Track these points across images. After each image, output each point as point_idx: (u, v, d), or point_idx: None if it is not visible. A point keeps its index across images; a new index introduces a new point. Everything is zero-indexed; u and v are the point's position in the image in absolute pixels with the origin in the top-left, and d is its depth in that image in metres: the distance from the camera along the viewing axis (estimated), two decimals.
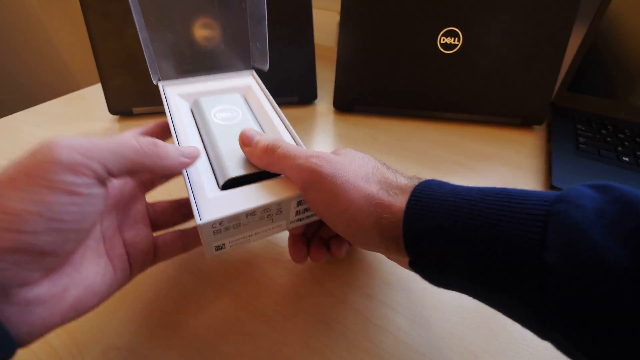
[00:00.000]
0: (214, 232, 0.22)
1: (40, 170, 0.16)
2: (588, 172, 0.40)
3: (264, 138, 0.25)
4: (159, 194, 0.29)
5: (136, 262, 0.23)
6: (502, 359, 0.25)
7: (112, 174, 0.19)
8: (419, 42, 0.48)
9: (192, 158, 0.23)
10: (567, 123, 0.49)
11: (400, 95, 0.51)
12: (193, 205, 0.22)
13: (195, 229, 0.27)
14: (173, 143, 0.25)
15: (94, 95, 0.57)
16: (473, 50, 0.47)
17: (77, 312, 0.19)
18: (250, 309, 0.27)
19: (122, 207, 0.24)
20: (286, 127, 0.29)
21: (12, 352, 0.16)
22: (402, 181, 0.22)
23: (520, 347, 0.26)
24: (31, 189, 0.16)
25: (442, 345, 0.26)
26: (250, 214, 0.23)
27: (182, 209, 0.29)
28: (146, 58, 0.30)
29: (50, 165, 0.16)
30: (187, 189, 0.23)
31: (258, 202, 0.23)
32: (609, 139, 0.46)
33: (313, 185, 0.22)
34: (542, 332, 0.16)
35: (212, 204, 0.22)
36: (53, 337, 0.25)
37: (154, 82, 0.32)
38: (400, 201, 0.20)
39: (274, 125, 0.29)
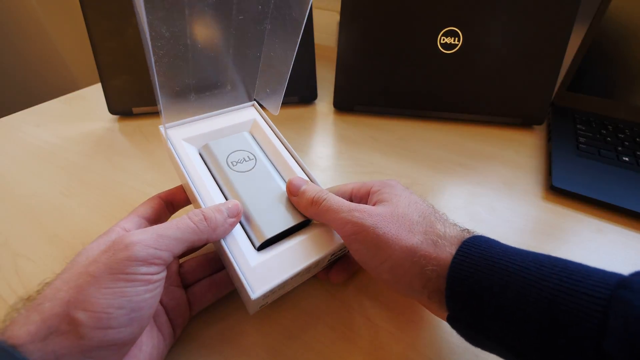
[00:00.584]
0: (262, 299, 0.23)
1: (121, 266, 0.18)
2: (588, 172, 0.40)
3: (310, 188, 0.26)
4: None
5: (177, 324, 0.24)
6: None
7: (175, 256, 0.21)
8: (419, 42, 0.48)
9: (238, 215, 0.25)
10: (567, 123, 0.49)
11: (400, 95, 0.51)
12: (242, 278, 0.22)
13: (223, 273, 0.27)
14: (194, 197, 0.26)
15: (94, 95, 0.57)
16: (473, 50, 0.47)
17: None
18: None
19: None
20: (297, 162, 0.30)
21: None
22: (451, 232, 0.22)
23: None
24: (114, 284, 0.18)
25: (442, 345, 0.26)
26: (294, 276, 0.24)
27: (212, 264, 0.28)
28: (159, 102, 0.26)
29: (130, 262, 0.18)
30: (225, 253, 0.24)
31: (301, 265, 0.24)
32: (609, 139, 0.46)
33: (356, 236, 0.23)
34: None
35: (259, 273, 0.23)
36: None
37: (162, 128, 0.29)
38: (447, 253, 0.20)
39: (287, 163, 0.30)
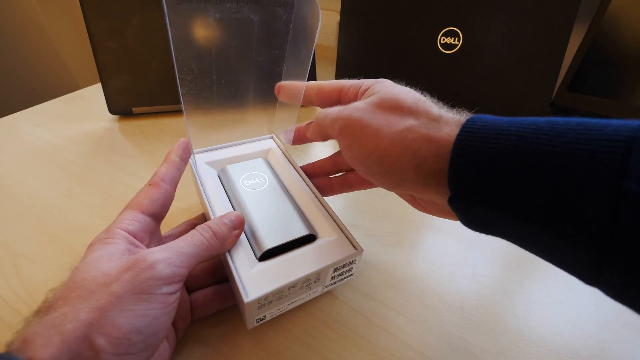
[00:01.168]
0: (258, 307, 0.23)
1: (145, 286, 0.18)
2: None
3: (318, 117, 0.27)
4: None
5: (178, 327, 0.24)
6: (502, 359, 0.25)
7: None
8: (419, 42, 0.48)
9: (241, 226, 0.25)
10: None
11: None
12: (238, 283, 0.23)
13: (228, 286, 0.27)
14: (207, 211, 0.27)
15: (94, 95, 0.57)
16: (473, 50, 0.47)
17: None
18: None
19: None
20: (308, 186, 0.31)
21: None
22: (447, 115, 0.20)
23: (520, 347, 0.26)
24: (136, 305, 0.18)
25: (442, 345, 0.26)
26: (292, 285, 0.24)
27: (216, 273, 0.28)
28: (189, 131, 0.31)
29: (154, 281, 0.18)
30: (226, 260, 0.24)
31: (299, 274, 0.24)
32: None
33: (345, 130, 0.23)
34: (597, 272, 0.14)
35: (255, 279, 0.23)
36: None
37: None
38: (445, 133, 0.19)
39: (298, 185, 0.31)
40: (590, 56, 0.50)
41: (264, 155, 0.35)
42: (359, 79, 0.27)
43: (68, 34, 1.04)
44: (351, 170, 0.30)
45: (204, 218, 0.31)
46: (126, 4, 0.46)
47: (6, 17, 1.00)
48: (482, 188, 0.17)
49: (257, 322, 0.25)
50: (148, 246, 0.23)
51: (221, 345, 0.25)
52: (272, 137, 0.37)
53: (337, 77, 0.52)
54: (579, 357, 0.25)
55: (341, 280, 0.28)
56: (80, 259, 0.20)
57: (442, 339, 0.26)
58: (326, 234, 0.27)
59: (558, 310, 0.28)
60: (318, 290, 0.27)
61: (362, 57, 0.50)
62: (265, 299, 0.23)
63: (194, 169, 0.31)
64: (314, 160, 0.33)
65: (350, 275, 0.28)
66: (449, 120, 0.20)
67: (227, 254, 0.24)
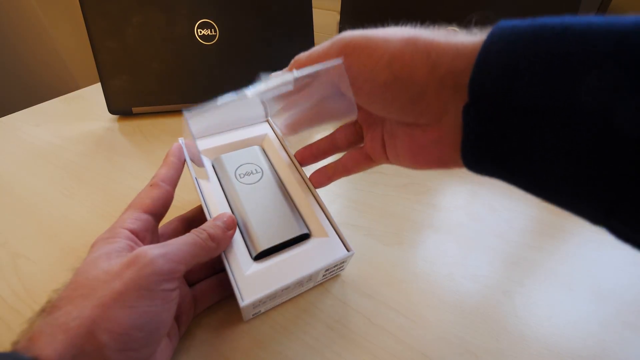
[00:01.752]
0: (253, 307, 0.24)
1: (146, 282, 0.18)
2: None
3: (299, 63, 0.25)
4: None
5: (181, 322, 0.24)
6: (502, 359, 0.25)
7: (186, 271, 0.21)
8: None
9: (234, 226, 0.25)
10: None
11: None
12: (234, 286, 0.23)
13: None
14: (203, 207, 0.27)
15: (94, 95, 0.57)
16: None
17: None
18: None
19: None
20: (303, 179, 0.31)
21: None
22: (463, 33, 0.18)
23: (520, 347, 0.26)
24: (138, 302, 0.18)
25: (442, 345, 0.26)
26: (285, 288, 0.24)
27: (215, 264, 0.28)
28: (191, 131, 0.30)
29: (155, 276, 0.19)
30: (223, 261, 0.24)
31: (292, 278, 0.24)
32: None
33: (348, 45, 0.21)
34: (607, 209, 0.14)
35: (251, 282, 0.24)
36: None
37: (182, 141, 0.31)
38: (464, 38, 0.18)
39: (293, 178, 0.30)
40: None
41: (259, 142, 0.34)
42: None
43: (68, 34, 1.04)
44: (348, 147, 0.29)
45: (195, 212, 0.31)
46: (126, 4, 0.46)
47: (6, 17, 1.00)
48: (505, 92, 0.15)
49: (253, 315, 0.26)
50: (149, 244, 0.23)
51: (219, 344, 0.25)
52: (267, 121, 0.36)
53: None
54: (579, 357, 0.25)
55: (332, 275, 0.29)
56: (80, 258, 0.20)
57: (442, 339, 0.26)
58: (319, 233, 0.27)
59: (558, 310, 0.28)
60: (310, 285, 0.28)
61: None
62: (260, 301, 0.24)
63: (187, 161, 0.31)
64: (311, 142, 0.31)
65: (342, 269, 0.29)
66: (466, 33, 0.18)
67: (223, 254, 0.25)
